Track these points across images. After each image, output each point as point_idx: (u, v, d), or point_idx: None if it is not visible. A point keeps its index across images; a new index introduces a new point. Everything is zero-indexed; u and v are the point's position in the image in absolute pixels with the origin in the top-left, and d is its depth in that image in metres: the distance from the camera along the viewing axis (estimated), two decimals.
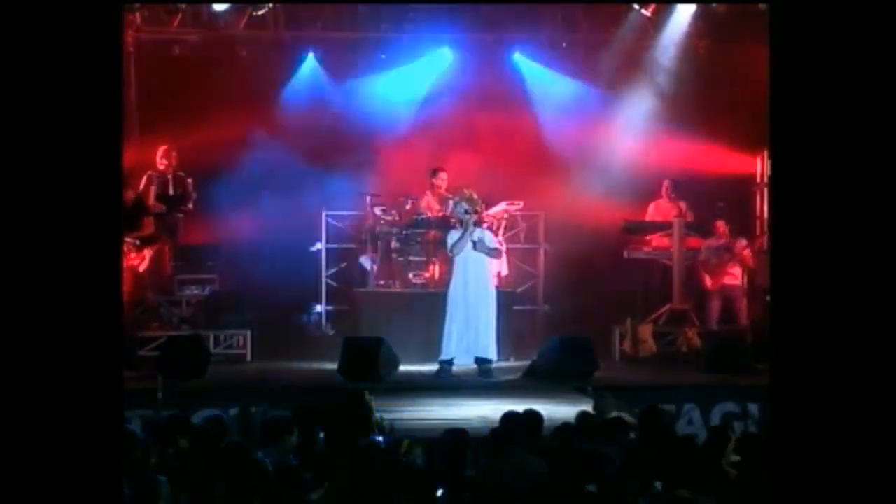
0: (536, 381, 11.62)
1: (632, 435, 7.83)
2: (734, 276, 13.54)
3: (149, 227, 13.35)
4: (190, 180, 13.89)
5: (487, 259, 11.94)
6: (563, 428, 7.52)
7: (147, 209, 13.40)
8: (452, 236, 11.89)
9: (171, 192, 13.79)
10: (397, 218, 13.72)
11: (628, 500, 5.86)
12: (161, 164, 13.69)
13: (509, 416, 7.46)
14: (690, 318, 13.66)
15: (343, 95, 15.40)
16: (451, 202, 12.43)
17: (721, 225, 13.63)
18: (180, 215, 13.91)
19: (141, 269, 12.78)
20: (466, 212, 11.83)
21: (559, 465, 6.50)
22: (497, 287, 13.23)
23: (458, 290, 11.82)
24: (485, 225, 12.53)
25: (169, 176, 13.75)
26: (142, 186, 13.43)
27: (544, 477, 6.19)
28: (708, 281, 13.57)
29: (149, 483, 5.76)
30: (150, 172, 13.61)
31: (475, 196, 11.97)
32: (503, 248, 13.66)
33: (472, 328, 11.79)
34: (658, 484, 6.07)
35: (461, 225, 11.84)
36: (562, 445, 7.22)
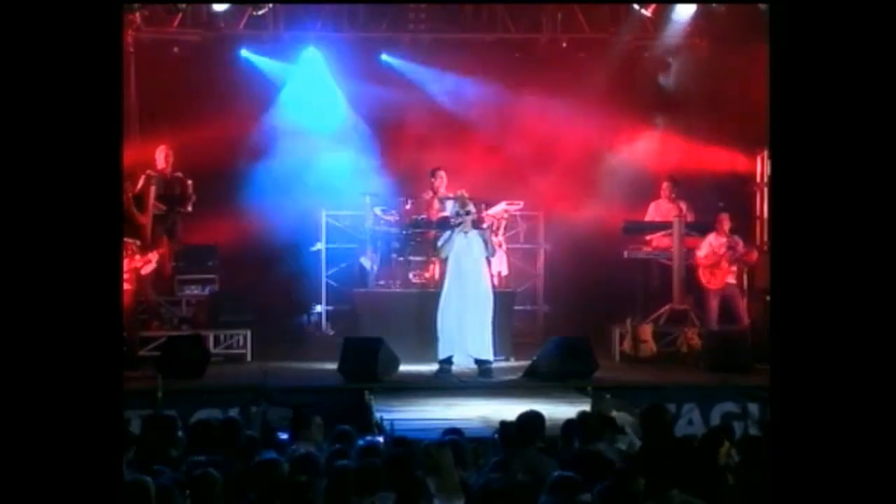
0: (536, 381, 11.62)
1: (629, 434, 7.84)
2: (733, 275, 13.53)
3: (147, 226, 13.33)
4: (190, 181, 13.91)
5: (482, 260, 11.96)
6: (567, 426, 7.52)
7: (145, 208, 13.39)
8: (441, 238, 11.99)
9: (170, 192, 13.79)
10: (397, 218, 13.72)
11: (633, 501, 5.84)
12: (160, 164, 13.70)
13: (525, 417, 7.45)
14: (690, 318, 13.65)
15: (344, 95, 15.40)
16: (445, 203, 12.50)
17: (725, 219, 13.55)
18: (178, 216, 13.91)
19: (144, 272, 12.78)
20: (458, 213, 11.89)
21: (565, 465, 6.51)
22: (497, 287, 13.25)
23: (452, 290, 11.86)
24: (484, 225, 12.55)
25: (168, 176, 13.74)
26: (140, 186, 13.39)
27: (555, 477, 6.18)
28: (707, 280, 13.53)
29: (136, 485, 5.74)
30: (148, 172, 13.58)
31: (466, 197, 12.02)
32: (503, 249, 13.69)
33: (465, 329, 11.80)
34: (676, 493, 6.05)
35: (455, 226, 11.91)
36: (565, 445, 7.23)
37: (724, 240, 13.46)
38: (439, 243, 12.03)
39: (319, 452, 6.99)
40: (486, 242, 11.93)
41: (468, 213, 11.89)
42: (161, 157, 13.72)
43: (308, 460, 6.56)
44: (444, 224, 12.59)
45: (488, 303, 11.93)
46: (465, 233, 11.84)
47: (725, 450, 6.95)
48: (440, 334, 11.87)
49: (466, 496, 6.14)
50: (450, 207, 12.31)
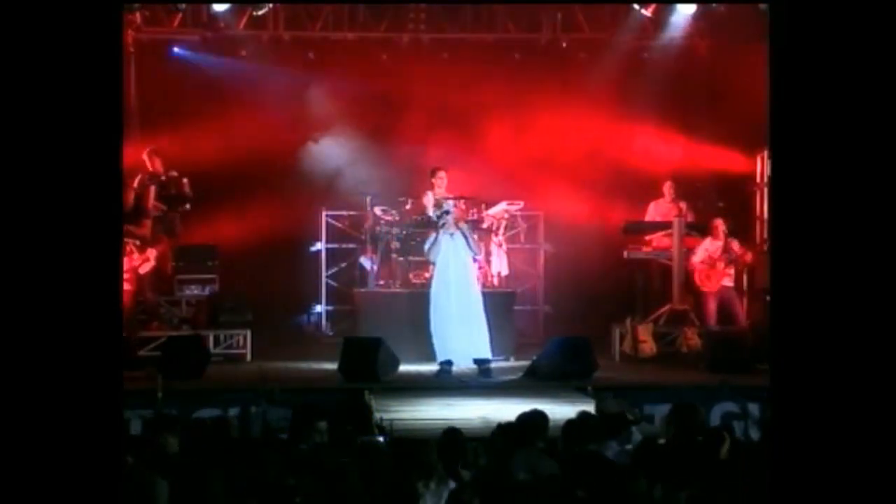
0: (536, 381, 11.62)
1: (634, 433, 7.84)
2: (730, 278, 13.54)
3: (148, 227, 13.36)
4: (186, 180, 13.92)
5: (468, 259, 11.99)
6: (567, 426, 7.51)
7: (147, 210, 13.41)
8: (428, 242, 12.04)
9: (167, 192, 13.81)
10: (397, 218, 13.72)
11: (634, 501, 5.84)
12: (149, 166, 13.71)
13: (524, 417, 7.45)
14: (690, 318, 13.65)
15: (342, 95, 15.40)
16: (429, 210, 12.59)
17: (720, 223, 13.57)
18: (177, 215, 13.94)
19: (142, 271, 12.79)
20: (439, 217, 11.98)
21: (566, 465, 6.51)
22: (497, 287, 13.27)
23: (440, 292, 11.90)
24: (484, 225, 12.57)
25: (163, 177, 13.77)
26: (136, 185, 13.42)
27: (555, 477, 6.19)
28: (703, 284, 13.52)
29: (146, 484, 5.77)
30: (144, 174, 13.62)
31: (445, 201, 12.15)
32: (503, 249, 13.70)
33: (461, 330, 11.82)
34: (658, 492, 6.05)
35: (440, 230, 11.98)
36: (566, 445, 7.22)
37: (719, 243, 13.47)
38: (426, 247, 12.11)
39: (320, 453, 7.00)
40: (468, 241, 11.94)
41: (447, 213, 11.98)
42: (149, 160, 13.74)
43: (304, 460, 6.56)
44: (434, 226, 12.60)
45: (479, 301, 11.96)
46: (451, 234, 11.90)
47: (726, 447, 6.95)
48: (434, 338, 11.89)
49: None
50: (431, 211, 12.41)
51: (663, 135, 15.14)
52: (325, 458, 6.63)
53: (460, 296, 11.85)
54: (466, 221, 12.28)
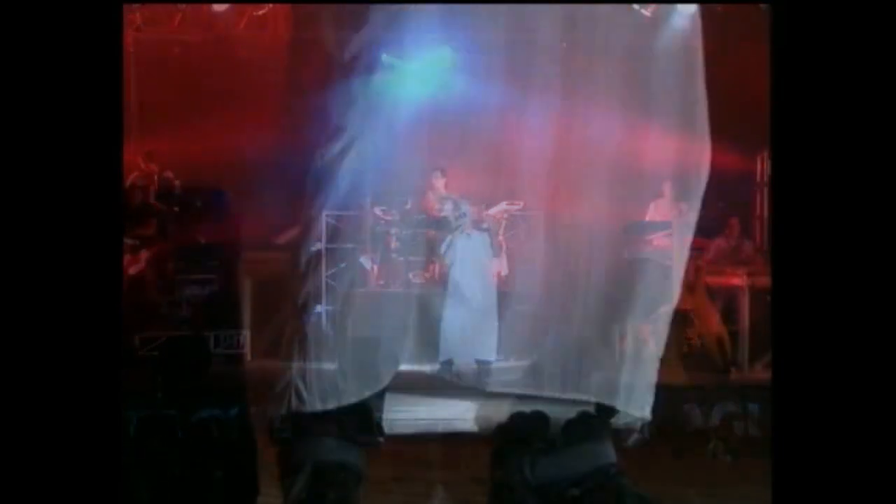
0: (536, 381, 11.60)
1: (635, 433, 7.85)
2: (738, 277, 13.56)
3: (150, 227, 13.39)
4: (177, 182, 13.94)
5: (487, 260, 11.97)
6: (567, 426, 7.52)
7: (152, 209, 13.46)
8: (444, 244, 12.05)
9: (162, 192, 13.86)
10: (397, 218, 13.72)
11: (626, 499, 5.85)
12: (145, 167, 13.75)
13: (517, 416, 7.47)
14: (690, 318, 13.64)
15: (345, 94, 15.35)
16: (444, 204, 12.56)
17: (735, 223, 13.58)
18: (171, 216, 13.97)
19: (131, 271, 12.81)
20: (457, 218, 11.99)
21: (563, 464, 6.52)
22: (497, 287, 13.25)
23: (456, 293, 11.89)
24: (484, 224, 12.57)
25: (155, 177, 13.81)
26: (137, 185, 13.47)
27: (554, 477, 6.19)
28: (712, 281, 13.53)
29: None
30: (137, 174, 13.66)
31: (456, 200, 12.12)
32: (502, 249, 13.69)
33: (472, 329, 11.82)
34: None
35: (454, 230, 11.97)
36: (566, 445, 7.23)
37: (732, 243, 13.49)
38: (442, 250, 12.09)
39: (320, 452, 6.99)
40: (492, 241, 11.94)
41: (463, 214, 11.95)
42: (144, 164, 13.78)
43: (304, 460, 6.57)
44: (445, 224, 12.61)
45: (494, 303, 11.96)
46: (469, 234, 11.87)
47: (713, 446, 6.97)
48: (443, 336, 11.88)
49: None
50: (446, 210, 12.38)
51: (663, 134, 15.11)
52: (325, 458, 6.63)
53: (476, 297, 11.85)
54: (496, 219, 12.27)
